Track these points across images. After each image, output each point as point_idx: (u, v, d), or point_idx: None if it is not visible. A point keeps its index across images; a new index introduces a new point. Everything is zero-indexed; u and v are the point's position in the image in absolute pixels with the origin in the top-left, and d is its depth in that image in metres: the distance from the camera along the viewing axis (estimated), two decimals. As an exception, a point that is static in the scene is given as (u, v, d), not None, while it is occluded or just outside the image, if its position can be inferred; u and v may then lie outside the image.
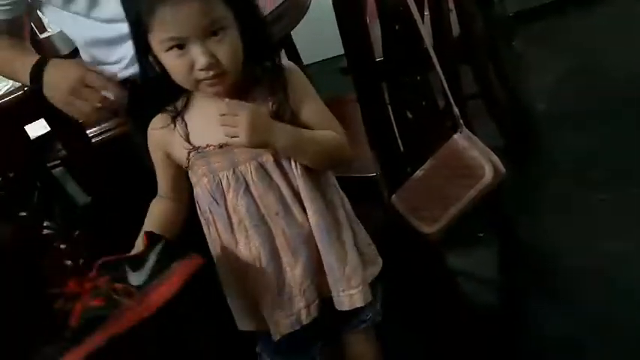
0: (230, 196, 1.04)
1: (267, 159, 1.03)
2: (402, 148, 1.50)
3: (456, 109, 1.38)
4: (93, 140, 1.47)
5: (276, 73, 1.04)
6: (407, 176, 1.41)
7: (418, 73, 1.51)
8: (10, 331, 1.70)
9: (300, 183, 1.05)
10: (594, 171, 2.06)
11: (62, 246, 1.50)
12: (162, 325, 0.95)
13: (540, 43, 3.19)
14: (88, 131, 1.47)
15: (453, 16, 1.91)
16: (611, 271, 1.65)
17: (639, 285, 1.58)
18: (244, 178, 1.03)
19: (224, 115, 0.96)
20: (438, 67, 1.38)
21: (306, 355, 1.18)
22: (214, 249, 1.09)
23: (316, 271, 1.09)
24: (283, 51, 2.42)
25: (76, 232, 1.49)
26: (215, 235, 1.09)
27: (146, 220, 1.12)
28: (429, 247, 1.47)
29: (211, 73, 0.95)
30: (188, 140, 1.04)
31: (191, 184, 1.10)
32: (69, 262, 1.53)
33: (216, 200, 1.05)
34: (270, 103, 1.03)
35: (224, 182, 1.04)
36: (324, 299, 1.11)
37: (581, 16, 3.22)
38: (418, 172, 1.39)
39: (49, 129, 1.37)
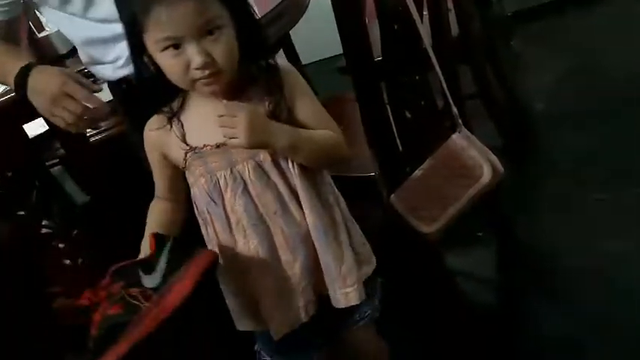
0: (228, 196, 1.04)
1: (265, 158, 1.03)
2: (400, 148, 1.50)
3: (454, 109, 1.38)
4: (91, 139, 1.47)
5: (272, 72, 1.04)
6: (406, 176, 1.41)
7: (417, 73, 1.51)
8: (9, 329, 1.70)
9: (298, 182, 1.05)
10: (593, 171, 2.06)
11: (61, 245, 1.50)
12: (179, 324, 0.95)
13: (539, 43, 3.19)
14: (86, 130, 1.46)
15: (452, 16, 1.91)
16: (611, 270, 1.65)
17: (638, 285, 1.58)
18: (242, 178, 1.03)
19: (222, 116, 0.96)
20: (437, 67, 1.38)
21: (306, 354, 1.18)
22: (212, 249, 1.09)
23: (314, 269, 1.09)
24: (282, 50, 2.43)
25: (75, 232, 1.49)
26: (213, 235, 1.08)
27: (147, 222, 1.12)
28: (428, 247, 1.47)
29: (207, 72, 0.94)
30: (185, 141, 1.04)
31: (188, 184, 1.10)
32: (67, 262, 1.53)
33: (213, 200, 1.05)
34: (267, 103, 1.03)
35: (222, 182, 1.04)
36: (322, 297, 1.11)
37: (579, 15, 3.23)
38: (417, 172, 1.39)
39: (47, 128, 1.37)
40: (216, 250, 1.08)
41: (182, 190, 1.11)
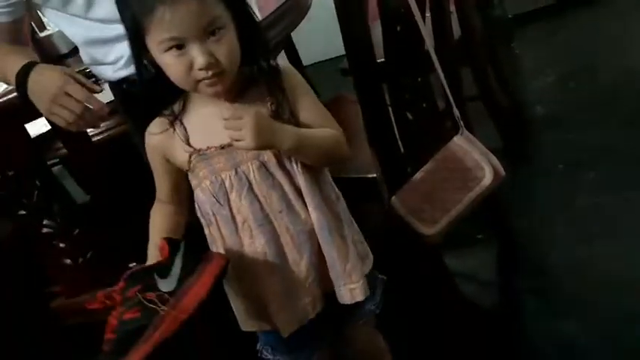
0: (233, 197, 1.04)
1: (269, 158, 1.03)
2: (402, 149, 1.50)
3: (456, 111, 1.38)
4: (93, 139, 1.47)
5: (273, 73, 1.05)
6: (407, 177, 1.41)
7: (419, 75, 1.51)
8: (8, 328, 1.70)
9: (301, 181, 1.05)
10: (593, 173, 2.06)
11: (62, 245, 1.51)
12: (194, 327, 0.96)
13: (539, 46, 3.20)
14: (88, 130, 1.46)
15: (453, 18, 1.92)
16: (611, 272, 1.65)
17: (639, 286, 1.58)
18: (247, 178, 1.03)
19: (227, 119, 0.97)
20: (439, 69, 1.38)
21: (310, 352, 1.18)
22: (217, 250, 1.09)
23: (319, 266, 1.10)
24: (283, 52, 2.43)
25: (76, 231, 1.49)
26: (218, 236, 1.08)
27: (151, 226, 1.12)
28: (428, 249, 1.47)
29: (210, 72, 0.95)
30: (188, 143, 1.04)
31: (190, 186, 1.10)
32: (68, 261, 1.53)
33: (219, 201, 1.05)
34: (269, 104, 1.04)
35: (227, 183, 1.04)
36: (327, 294, 1.12)
37: (580, 18, 3.23)
38: (418, 174, 1.39)
39: (49, 127, 1.37)
40: (222, 251, 1.08)
41: (184, 193, 1.11)
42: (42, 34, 2.17)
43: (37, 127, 1.46)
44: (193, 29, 0.92)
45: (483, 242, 1.93)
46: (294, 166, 1.05)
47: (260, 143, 0.97)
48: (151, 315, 0.93)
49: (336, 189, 1.15)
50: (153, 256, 1.07)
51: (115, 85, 1.41)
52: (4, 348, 1.64)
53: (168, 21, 0.91)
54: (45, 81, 1.21)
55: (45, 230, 1.48)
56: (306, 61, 2.70)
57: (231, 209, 1.05)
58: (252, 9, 1.05)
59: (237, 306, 1.14)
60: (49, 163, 1.63)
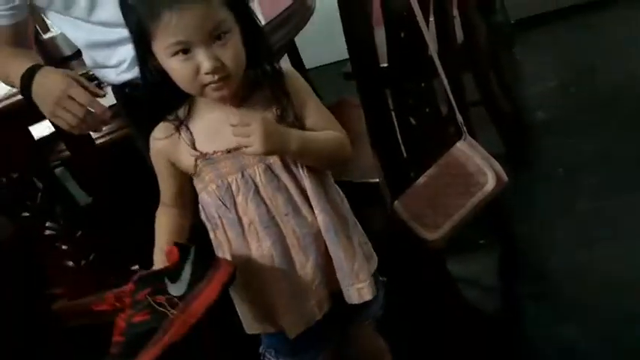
0: (239, 200, 1.05)
1: (275, 161, 1.04)
2: (405, 154, 1.50)
3: (459, 117, 1.39)
4: (96, 142, 1.47)
5: (276, 77, 1.06)
6: (410, 182, 1.42)
7: (422, 80, 1.51)
8: (10, 329, 1.70)
9: (307, 183, 1.06)
10: (593, 178, 2.07)
11: (64, 247, 1.51)
12: (202, 331, 0.97)
13: (541, 51, 3.20)
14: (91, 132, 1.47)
15: (456, 22, 1.92)
16: (612, 275, 1.65)
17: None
18: (253, 181, 1.04)
19: (235, 125, 0.97)
20: (442, 75, 1.38)
21: (314, 354, 1.19)
22: (222, 254, 1.10)
23: (325, 267, 1.10)
24: (286, 55, 2.43)
25: (79, 233, 1.49)
26: (224, 239, 1.09)
27: (156, 230, 1.12)
28: (431, 254, 1.47)
29: (217, 76, 0.95)
30: (194, 147, 1.04)
31: (194, 190, 1.10)
32: (70, 263, 1.53)
33: (225, 204, 1.05)
34: (274, 108, 1.04)
35: (233, 186, 1.04)
36: (333, 294, 1.13)
37: (581, 23, 3.24)
38: (421, 179, 1.40)
39: (52, 130, 1.37)
40: (228, 255, 1.08)
41: (189, 196, 1.12)
42: (45, 36, 2.17)
43: (40, 129, 1.46)
44: (199, 34, 0.92)
45: (485, 247, 1.93)
46: (300, 168, 1.05)
47: (268, 149, 0.97)
48: (160, 318, 0.94)
49: (340, 191, 1.16)
50: (159, 259, 1.07)
51: (118, 89, 1.42)
52: (6, 349, 1.64)
53: (174, 26, 0.91)
54: (49, 84, 1.21)
55: (47, 232, 1.48)
56: (308, 64, 2.71)
57: (237, 212, 1.06)
58: (255, 13, 1.06)
59: (242, 309, 1.15)
60: (52, 164, 1.63)
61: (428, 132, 1.54)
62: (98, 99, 1.23)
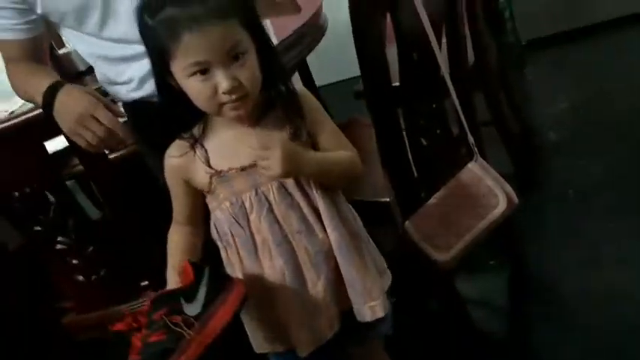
0: (253, 217, 1.06)
1: (288, 179, 1.05)
2: (416, 174, 1.50)
3: (471, 138, 1.39)
4: (109, 156, 1.48)
5: (290, 97, 1.07)
6: (421, 202, 1.42)
7: (434, 101, 1.52)
8: (19, 341, 1.70)
9: (319, 201, 1.07)
10: (603, 199, 2.07)
11: (75, 261, 1.51)
12: (215, 351, 0.98)
13: (553, 72, 3.20)
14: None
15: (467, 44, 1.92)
16: (621, 300, 1.65)
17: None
18: (267, 199, 1.05)
19: (255, 149, 0.99)
20: (453, 95, 1.39)
21: None
22: (233, 272, 1.10)
23: (337, 286, 1.10)
24: (297, 73, 2.45)
25: (90, 248, 1.50)
26: (235, 258, 1.09)
27: (169, 248, 1.13)
28: (441, 274, 1.47)
29: (234, 96, 0.96)
30: (209, 165, 1.05)
31: (207, 208, 1.11)
32: (81, 278, 1.54)
33: (238, 222, 1.06)
34: (288, 127, 1.05)
35: (247, 204, 1.05)
36: (343, 312, 1.13)
37: (593, 45, 3.24)
38: (432, 199, 1.40)
39: (66, 144, 1.38)
40: (239, 274, 1.09)
41: (202, 215, 1.13)
42: (60, 52, 2.19)
43: (53, 144, 1.47)
44: (218, 54, 0.94)
45: (495, 268, 1.93)
46: (312, 186, 1.06)
47: (287, 172, 0.99)
48: (176, 338, 0.94)
49: (352, 208, 1.17)
50: (172, 279, 1.08)
51: (129, 106, 1.43)
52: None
53: (194, 47, 0.93)
54: (73, 102, 1.22)
55: (59, 247, 1.49)
56: (318, 82, 2.72)
57: (250, 230, 1.07)
58: (268, 34, 1.08)
59: (252, 328, 1.15)
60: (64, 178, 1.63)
61: (439, 152, 1.55)
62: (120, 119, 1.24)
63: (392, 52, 1.42)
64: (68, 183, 1.69)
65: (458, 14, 1.63)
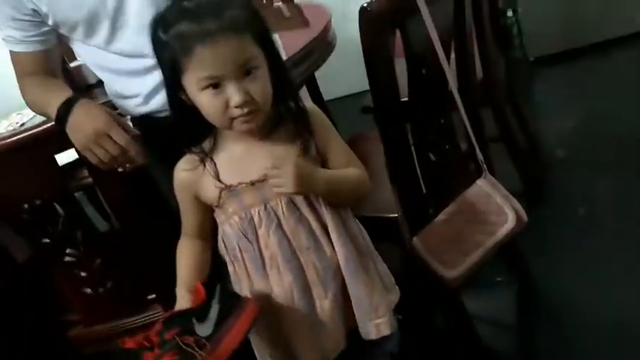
0: (262, 232, 1.06)
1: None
2: (424, 190, 1.50)
3: (479, 154, 1.39)
4: (119, 169, 1.48)
5: (300, 113, 1.08)
6: (429, 218, 1.42)
7: (442, 116, 1.52)
8: (26, 354, 1.70)
9: (328, 217, 1.07)
10: (611, 218, 2.06)
11: (83, 274, 1.51)
12: None
13: (559, 89, 3.20)
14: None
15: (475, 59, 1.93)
16: (626, 319, 1.64)
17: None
18: (275, 214, 1.05)
19: (269, 167, 1.00)
20: (462, 111, 1.39)
21: None
22: (240, 287, 1.10)
23: (344, 303, 1.11)
24: (305, 88, 2.45)
25: (98, 261, 1.50)
26: (243, 273, 1.10)
27: (179, 263, 1.13)
28: (448, 291, 1.46)
29: (246, 110, 0.97)
30: (219, 179, 1.06)
31: (215, 222, 1.12)
32: (88, 290, 1.54)
33: (246, 237, 1.07)
34: (298, 142, 1.06)
35: (256, 219, 1.06)
36: (350, 331, 1.13)
37: (602, 63, 3.24)
38: (441, 216, 1.39)
39: (75, 156, 1.38)
40: (246, 289, 1.09)
41: (210, 228, 1.13)
42: (72, 65, 2.20)
43: (63, 156, 1.47)
44: (230, 68, 0.94)
45: (502, 284, 1.92)
46: (320, 202, 1.07)
47: (299, 190, 1.00)
48: (188, 359, 0.95)
49: (359, 223, 1.17)
50: (182, 296, 1.08)
51: (137, 120, 1.44)
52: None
53: (207, 61, 0.94)
54: (88, 118, 1.22)
55: (67, 259, 1.49)
56: (325, 96, 2.73)
57: (259, 245, 1.07)
58: (279, 50, 1.08)
59: (259, 346, 1.15)
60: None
61: (448, 168, 1.54)
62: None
63: (400, 65, 1.42)
64: (76, 195, 1.70)
65: (466, 30, 1.63)
